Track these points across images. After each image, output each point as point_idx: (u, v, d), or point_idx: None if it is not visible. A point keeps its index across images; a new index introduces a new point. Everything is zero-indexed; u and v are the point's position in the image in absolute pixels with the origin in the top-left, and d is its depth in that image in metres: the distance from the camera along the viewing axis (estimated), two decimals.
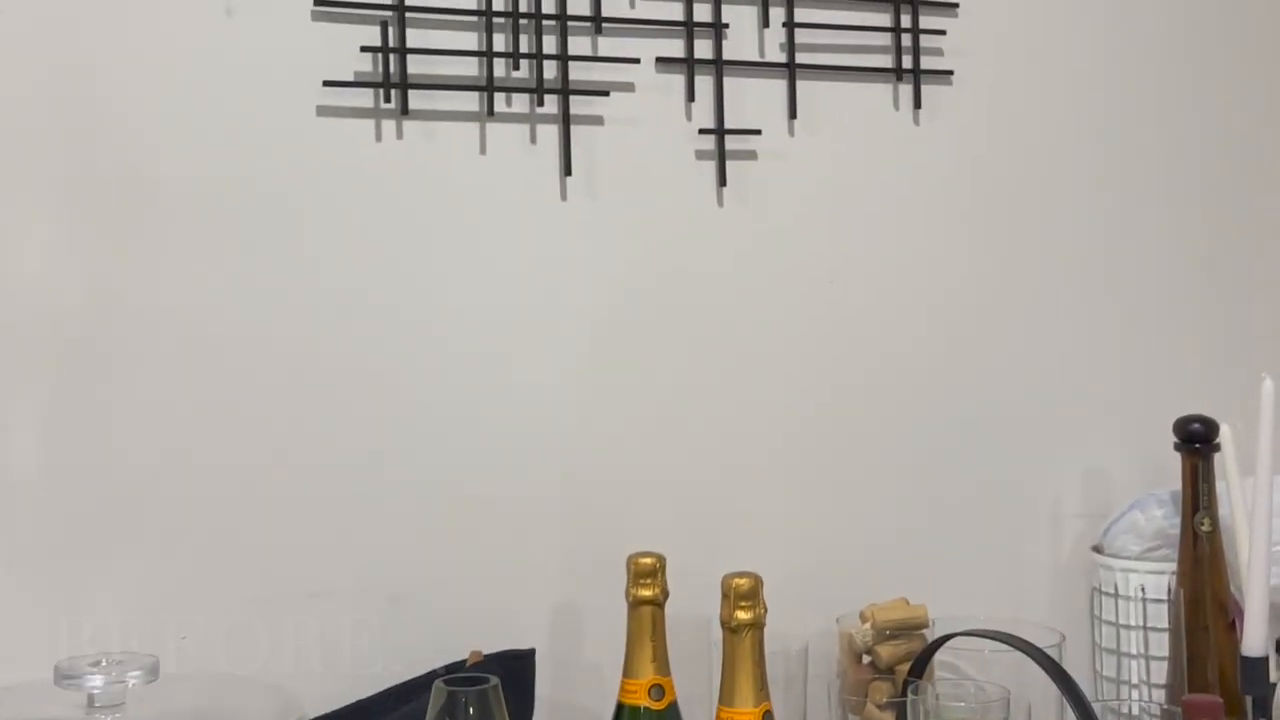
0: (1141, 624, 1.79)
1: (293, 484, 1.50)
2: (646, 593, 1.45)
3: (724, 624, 1.38)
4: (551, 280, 1.63)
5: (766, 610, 1.39)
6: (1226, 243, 2.04)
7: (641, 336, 1.68)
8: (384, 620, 1.51)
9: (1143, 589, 1.80)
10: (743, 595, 1.38)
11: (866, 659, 1.62)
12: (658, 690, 1.45)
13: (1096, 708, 1.42)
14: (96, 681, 1.19)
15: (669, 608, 1.46)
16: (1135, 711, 1.68)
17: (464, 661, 1.48)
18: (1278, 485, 1.63)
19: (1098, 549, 1.87)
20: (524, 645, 1.53)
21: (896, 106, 1.83)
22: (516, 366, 1.61)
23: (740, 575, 1.38)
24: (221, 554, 1.47)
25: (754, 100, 1.74)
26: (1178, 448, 1.74)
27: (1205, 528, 1.72)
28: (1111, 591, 1.82)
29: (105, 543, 1.42)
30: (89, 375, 1.43)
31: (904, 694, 1.47)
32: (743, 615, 1.38)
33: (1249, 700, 1.54)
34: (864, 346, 1.81)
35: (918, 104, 1.83)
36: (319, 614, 1.49)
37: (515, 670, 1.49)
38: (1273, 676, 1.55)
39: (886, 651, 1.60)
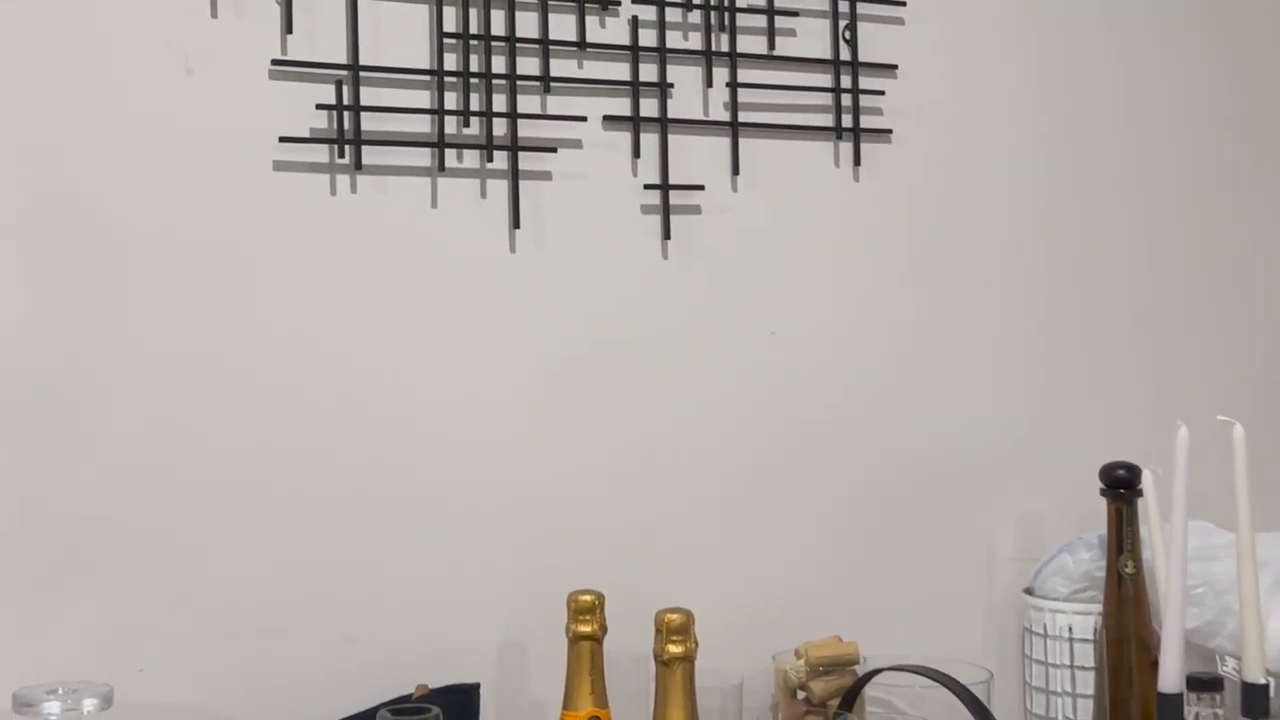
0: (1069, 663, 1.86)
1: (248, 524, 1.56)
2: (585, 628, 1.52)
3: (657, 658, 1.45)
4: (500, 330, 1.70)
5: (698, 645, 1.45)
6: (1160, 297, 2.12)
7: (588, 385, 1.75)
8: (335, 655, 1.57)
9: (1070, 629, 1.87)
10: (674, 630, 1.45)
11: (801, 694, 1.68)
12: None
13: None
14: (54, 708, 1.25)
15: (609, 643, 1.53)
16: None
17: (410, 695, 1.54)
18: (1193, 529, 1.71)
19: (1029, 591, 1.94)
20: (470, 680, 1.59)
21: (837, 164, 1.91)
22: (466, 413, 1.68)
23: (673, 611, 1.45)
24: (180, 590, 1.53)
25: (698, 157, 1.82)
26: (1103, 493, 1.81)
27: (1129, 569, 1.79)
28: (1041, 631, 1.90)
29: (66, 578, 1.48)
30: (54, 417, 1.49)
31: None
32: (674, 649, 1.44)
33: None
34: (804, 396, 1.88)
35: (857, 161, 1.91)
36: (271, 649, 1.55)
37: (461, 703, 1.56)
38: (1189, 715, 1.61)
39: (819, 687, 1.66)
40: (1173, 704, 1.59)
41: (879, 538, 1.93)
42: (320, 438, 1.60)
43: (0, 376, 1.48)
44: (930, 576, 1.97)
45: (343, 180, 1.63)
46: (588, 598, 1.52)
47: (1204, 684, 1.56)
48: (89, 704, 1.25)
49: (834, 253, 1.91)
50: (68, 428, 1.49)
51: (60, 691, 1.26)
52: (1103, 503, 1.81)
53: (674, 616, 1.45)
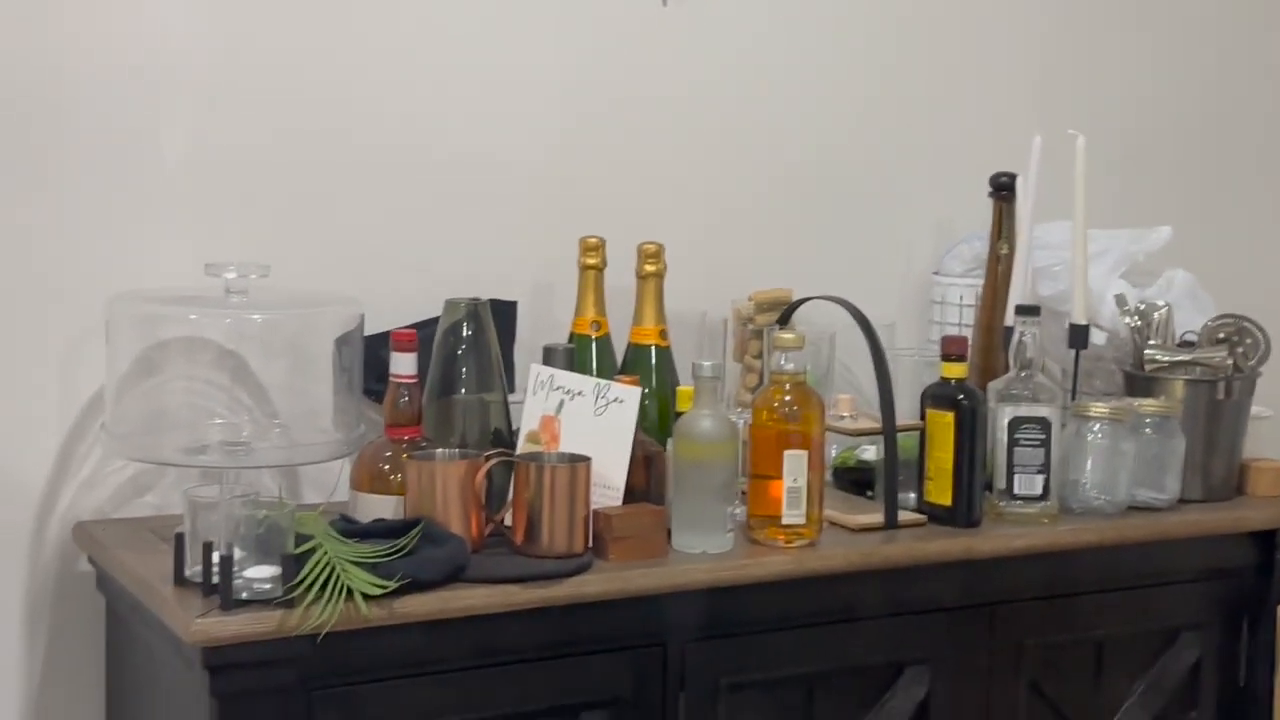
0: (958, 321, 2.49)
1: (367, 185, 2.21)
2: (591, 261, 2.17)
3: (637, 274, 2.11)
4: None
5: (666, 268, 2.10)
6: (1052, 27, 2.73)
7: (601, 106, 2.36)
8: (417, 278, 2.20)
9: (961, 297, 2.50)
10: (649, 255, 2.11)
11: (749, 326, 2.31)
12: (596, 325, 2.16)
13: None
14: (231, 274, 1.91)
15: (609, 275, 2.16)
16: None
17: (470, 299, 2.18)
18: (1061, 227, 2.35)
19: (937, 272, 2.56)
20: (510, 299, 2.23)
21: None
22: (505, 122, 2.30)
23: (649, 242, 2.11)
24: (310, 215, 2.18)
25: None
26: (990, 195, 2.42)
27: (1004, 251, 2.41)
28: (941, 300, 2.53)
29: (239, 200, 2.14)
30: (217, 115, 2.12)
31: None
32: (649, 267, 2.11)
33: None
34: (776, 121, 2.50)
35: None
36: (376, 271, 2.19)
37: (504, 311, 2.20)
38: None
39: (762, 319, 2.30)
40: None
41: (826, 231, 2.56)
42: (415, 134, 2.24)
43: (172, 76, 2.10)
44: (862, 262, 2.58)
45: None
46: (593, 239, 2.17)
47: (1026, 309, 2.20)
48: (254, 272, 1.91)
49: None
50: (241, 110, 2.13)
51: (235, 266, 1.92)
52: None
53: (649, 245, 2.12)
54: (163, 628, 1.75)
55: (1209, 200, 2.89)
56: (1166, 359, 2.35)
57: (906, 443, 2.19)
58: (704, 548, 1.96)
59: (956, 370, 2.14)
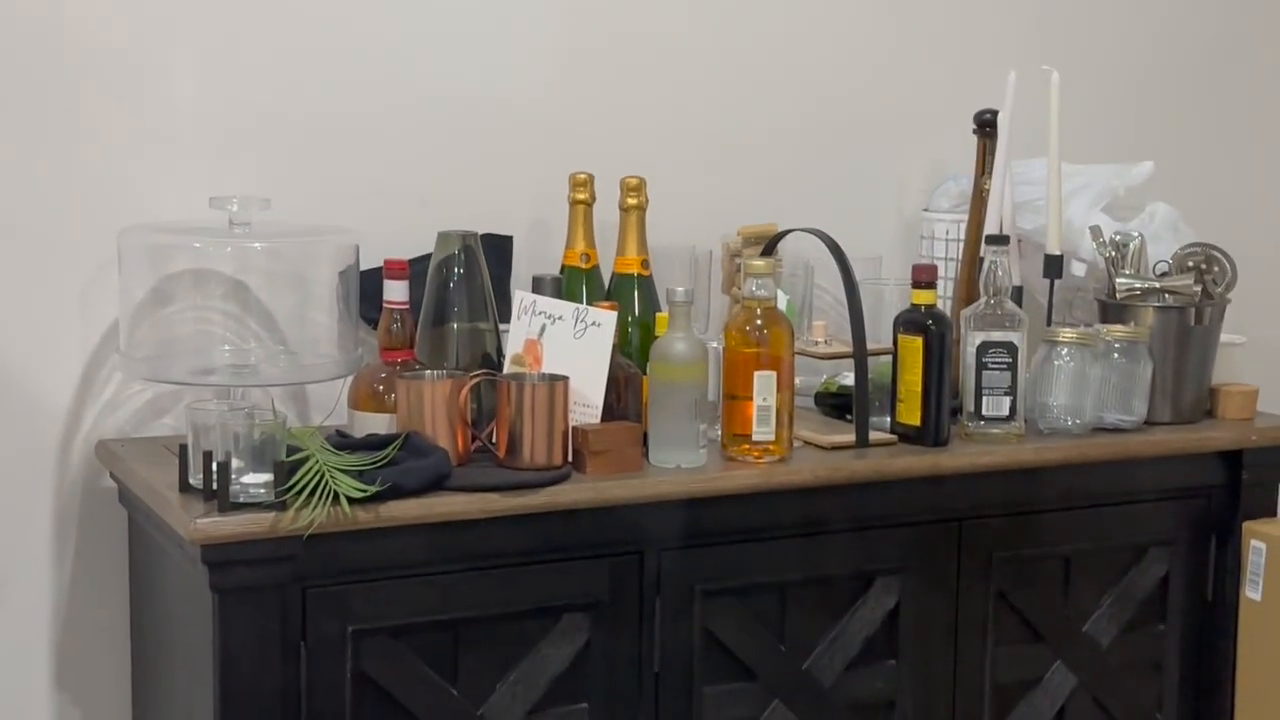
0: (944, 255, 2.61)
1: (360, 106, 2.37)
2: (581, 195, 2.32)
3: (620, 207, 2.26)
4: None
5: (648, 201, 2.25)
6: None
7: (596, 41, 2.51)
8: (415, 214, 2.36)
9: (948, 232, 2.63)
10: (631, 188, 2.27)
11: (737, 260, 2.46)
12: (585, 257, 2.31)
13: None
14: (234, 207, 2.09)
15: (597, 210, 2.32)
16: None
17: (468, 232, 2.33)
18: (1043, 164, 2.47)
19: (926, 209, 2.69)
20: (506, 233, 2.38)
21: None
22: (504, 64, 2.46)
23: (631, 176, 2.26)
24: (317, 156, 2.34)
25: None
26: (974, 132, 2.55)
27: (988, 186, 2.53)
28: (930, 235, 2.65)
29: (244, 138, 2.31)
30: (224, 54, 2.29)
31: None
32: (631, 200, 2.27)
33: None
34: (773, 60, 2.63)
35: None
36: (376, 206, 2.35)
37: (499, 246, 2.36)
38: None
39: (749, 253, 2.44)
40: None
41: (821, 170, 2.70)
42: (414, 74, 2.40)
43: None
44: (857, 200, 2.72)
45: None
46: (582, 175, 2.32)
47: (995, 239, 2.34)
48: (256, 203, 2.09)
49: None
50: (258, 37, 2.30)
51: (237, 199, 2.09)
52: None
53: (631, 179, 2.27)
54: (170, 530, 1.93)
55: (1193, 135, 2.99)
56: (1138, 286, 2.47)
57: (883, 368, 2.34)
58: (678, 462, 2.11)
59: (925, 297, 2.28)
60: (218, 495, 1.86)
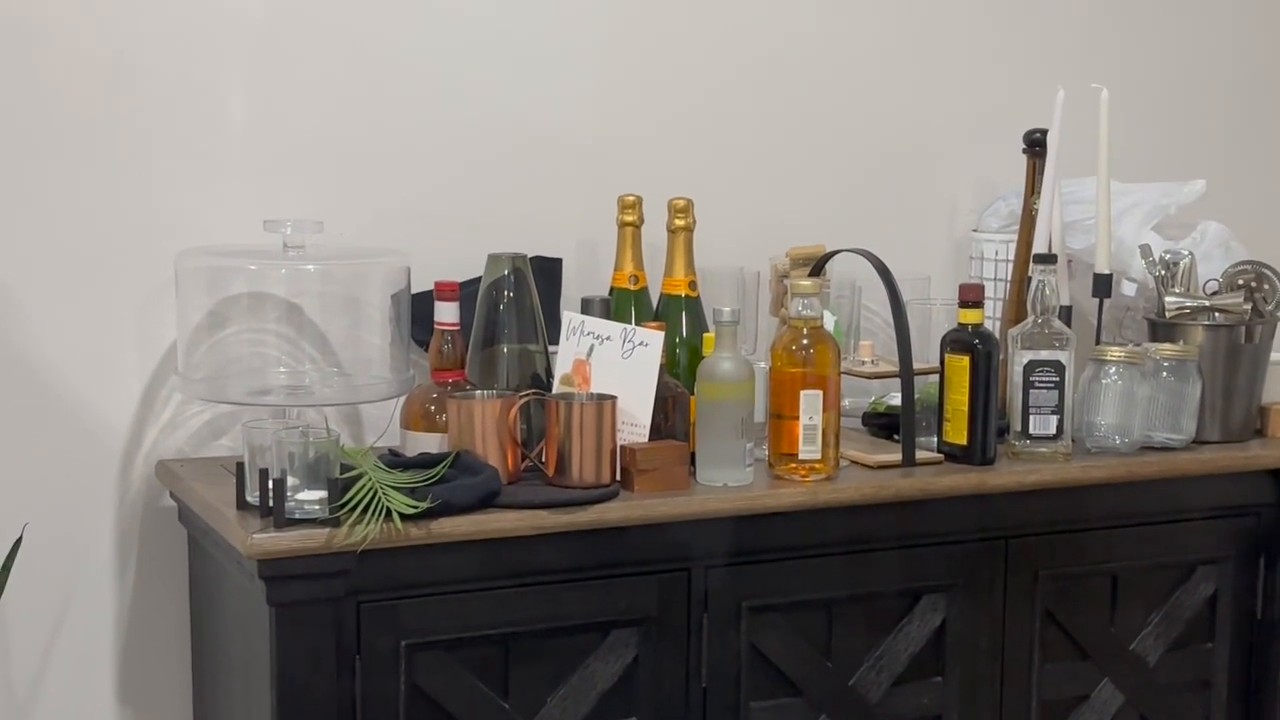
0: (994, 275, 2.69)
1: (412, 130, 2.47)
2: (629, 218, 2.41)
3: (668, 229, 2.35)
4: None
5: (696, 222, 2.34)
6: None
7: (642, 60, 2.60)
8: (463, 237, 2.45)
9: (996, 252, 2.70)
10: (679, 210, 2.35)
11: (785, 281, 2.53)
12: (634, 279, 2.40)
13: None
14: (288, 230, 2.19)
15: (646, 231, 2.40)
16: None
17: (516, 254, 2.43)
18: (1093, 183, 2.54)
19: (975, 229, 2.76)
20: (555, 255, 2.48)
21: None
22: (548, 84, 2.55)
23: (679, 198, 2.35)
24: (368, 179, 2.45)
25: None
26: (1024, 152, 2.62)
27: (1037, 206, 2.60)
28: (979, 255, 2.73)
29: (298, 162, 2.41)
30: (277, 80, 2.39)
31: None
32: (679, 222, 2.35)
33: None
34: (814, 86, 2.71)
35: None
36: (424, 230, 2.44)
37: (549, 268, 2.45)
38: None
39: (797, 274, 2.51)
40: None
41: (870, 190, 2.77)
42: (464, 99, 2.49)
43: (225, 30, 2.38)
44: (908, 222, 2.80)
45: None
46: (630, 198, 2.41)
47: (1043, 258, 2.40)
48: (309, 227, 2.19)
49: None
50: (294, 70, 2.40)
51: (292, 222, 2.20)
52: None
53: (679, 200, 2.36)
54: (228, 547, 2.03)
55: (1245, 152, 3.06)
56: (1188, 305, 2.53)
57: (930, 388, 2.41)
58: (724, 481, 2.19)
59: (973, 316, 2.35)
60: (274, 512, 1.96)
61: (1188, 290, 2.56)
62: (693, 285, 2.39)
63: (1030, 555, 2.37)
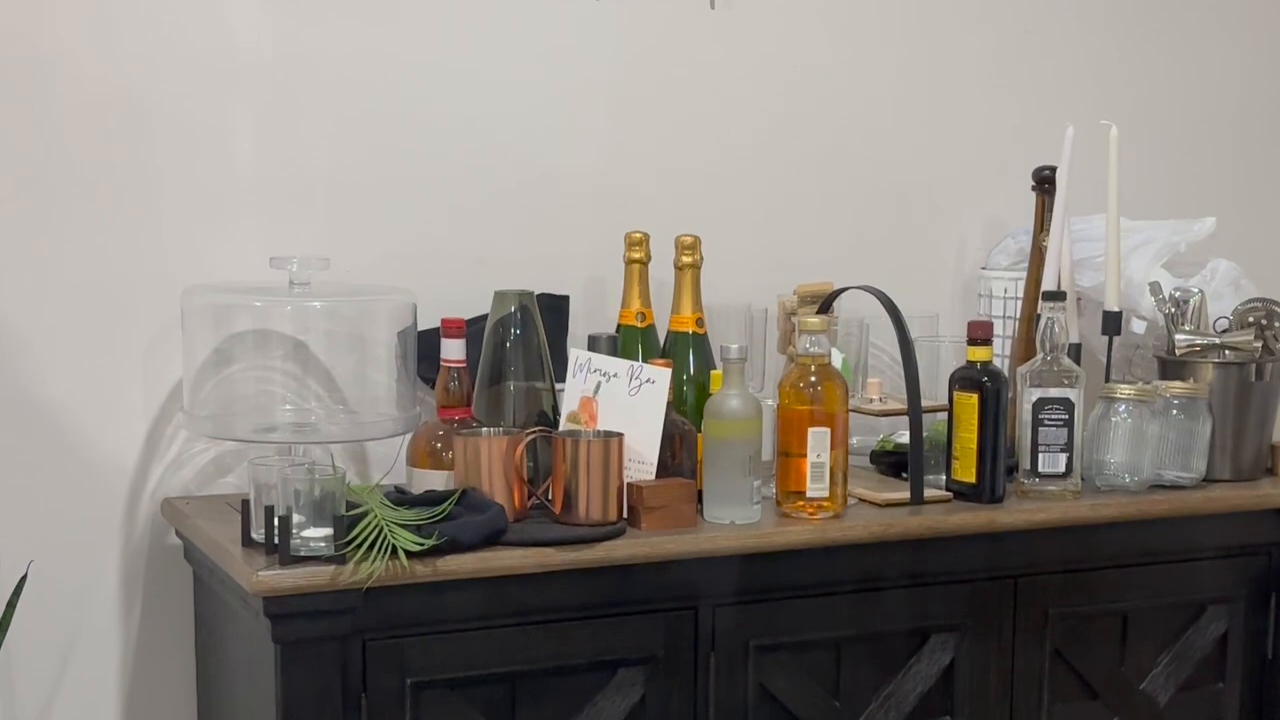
0: (1002, 313, 2.70)
1: (418, 169, 2.49)
2: (636, 255, 2.43)
3: (675, 266, 2.37)
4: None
5: (703, 259, 2.36)
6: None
7: (649, 111, 2.62)
8: (473, 272, 2.47)
9: (1005, 290, 2.71)
10: (686, 246, 2.37)
11: (793, 318, 2.55)
12: (641, 316, 2.42)
13: None
14: (294, 266, 2.21)
15: (653, 268, 2.42)
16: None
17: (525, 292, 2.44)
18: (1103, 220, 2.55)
19: (984, 267, 2.78)
20: (562, 292, 2.49)
21: None
22: (563, 128, 2.58)
23: (686, 235, 2.36)
24: (374, 216, 2.47)
25: None
26: (1033, 189, 2.64)
27: (1046, 243, 2.62)
28: (987, 294, 2.74)
29: (304, 200, 2.43)
30: (285, 119, 2.42)
31: None
32: (685, 259, 2.37)
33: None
34: (825, 128, 2.74)
35: None
36: (432, 268, 2.47)
37: (556, 306, 2.47)
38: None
39: (805, 312, 2.53)
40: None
41: (878, 227, 2.79)
42: (471, 137, 2.52)
43: (243, 81, 2.40)
44: (916, 259, 2.81)
45: None
46: (637, 235, 2.43)
47: (1052, 295, 2.42)
48: (315, 263, 2.21)
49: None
50: (298, 120, 2.42)
51: (297, 259, 2.22)
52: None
53: (686, 237, 2.37)
54: (234, 584, 2.04)
55: (1255, 190, 3.08)
56: (1198, 342, 2.54)
57: (939, 426, 2.42)
58: (732, 518, 2.20)
59: (981, 354, 2.36)
60: (279, 549, 1.97)
61: (1198, 328, 2.57)
62: (700, 322, 2.40)
63: (1040, 594, 2.37)
